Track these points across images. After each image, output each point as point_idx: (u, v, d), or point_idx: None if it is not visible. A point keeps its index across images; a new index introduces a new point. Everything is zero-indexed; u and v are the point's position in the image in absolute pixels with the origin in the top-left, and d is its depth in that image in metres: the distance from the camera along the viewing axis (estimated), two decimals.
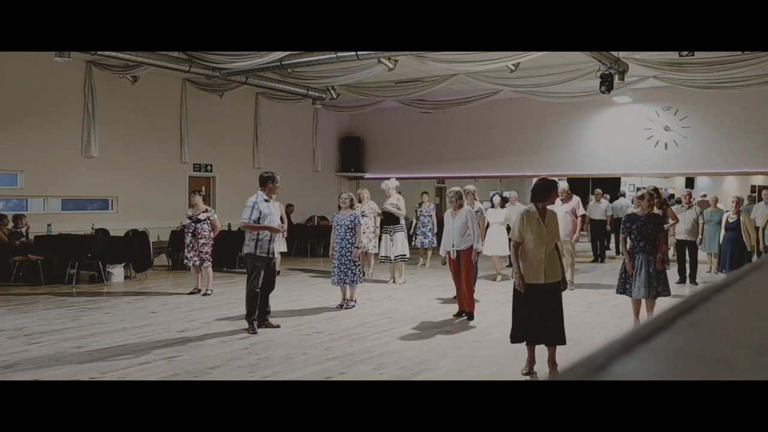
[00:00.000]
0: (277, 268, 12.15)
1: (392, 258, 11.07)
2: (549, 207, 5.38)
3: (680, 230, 10.64)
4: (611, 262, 14.62)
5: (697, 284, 10.68)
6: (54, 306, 8.75)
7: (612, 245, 15.95)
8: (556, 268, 5.26)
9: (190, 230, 9.85)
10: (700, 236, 10.71)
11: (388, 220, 11.17)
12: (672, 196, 17.44)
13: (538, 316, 5.23)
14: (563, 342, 5.31)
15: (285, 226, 7.64)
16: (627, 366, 0.63)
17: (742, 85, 11.96)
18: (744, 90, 12.30)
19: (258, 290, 7.08)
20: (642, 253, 6.93)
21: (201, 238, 9.81)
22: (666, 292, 6.95)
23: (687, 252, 10.77)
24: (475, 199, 9.42)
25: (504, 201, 11.64)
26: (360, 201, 10.88)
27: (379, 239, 11.33)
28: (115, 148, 12.95)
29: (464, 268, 7.72)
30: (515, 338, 5.41)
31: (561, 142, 15.73)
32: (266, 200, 7.16)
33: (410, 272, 12.03)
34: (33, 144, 11.71)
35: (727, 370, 0.63)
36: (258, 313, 7.15)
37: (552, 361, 5.32)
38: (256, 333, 6.95)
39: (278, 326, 7.27)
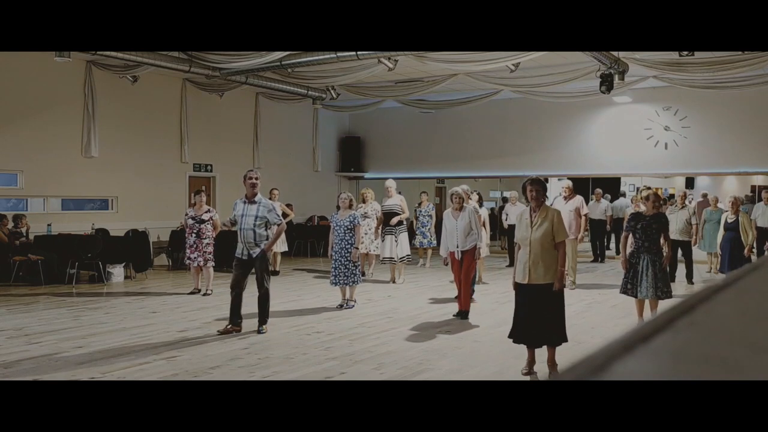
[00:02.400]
0: (277, 268, 12.27)
1: (397, 259, 11.05)
2: (554, 206, 5.40)
3: (672, 230, 10.63)
4: (611, 262, 14.61)
5: (693, 284, 10.67)
6: (54, 306, 8.75)
7: (612, 245, 15.96)
8: (545, 269, 5.13)
9: (194, 231, 9.84)
10: (695, 236, 10.72)
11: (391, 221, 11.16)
12: (672, 196, 17.45)
13: (528, 316, 5.23)
14: (562, 342, 5.31)
15: (283, 222, 7.53)
16: (627, 366, 0.63)
17: (742, 85, 11.97)
18: (744, 90, 12.31)
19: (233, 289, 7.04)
20: (647, 253, 6.88)
21: (205, 238, 9.83)
22: (668, 294, 6.92)
23: (680, 252, 10.77)
24: (470, 199, 9.42)
25: (481, 199, 11.57)
26: (364, 201, 10.87)
27: (383, 240, 11.32)
28: (115, 148, 12.94)
29: (466, 266, 7.74)
30: (514, 338, 5.42)
31: (561, 142, 15.73)
32: (245, 201, 6.97)
33: (410, 272, 12.03)
34: (33, 144, 11.70)
35: (727, 370, 0.63)
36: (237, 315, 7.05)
37: (552, 361, 5.32)
38: (243, 332, 6.93)
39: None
